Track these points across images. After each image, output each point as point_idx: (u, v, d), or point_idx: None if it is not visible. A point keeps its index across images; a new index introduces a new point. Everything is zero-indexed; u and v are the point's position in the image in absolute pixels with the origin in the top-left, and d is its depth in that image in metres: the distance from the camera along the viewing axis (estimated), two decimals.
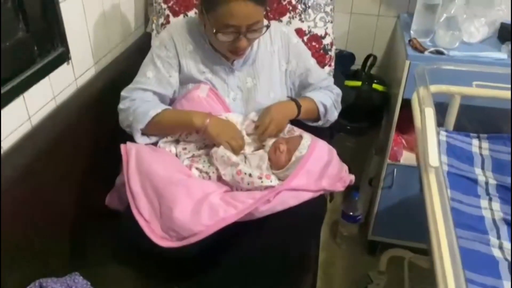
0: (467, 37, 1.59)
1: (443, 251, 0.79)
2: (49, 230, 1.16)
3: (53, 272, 1.10)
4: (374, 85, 1.78)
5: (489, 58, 1.49)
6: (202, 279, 1.16)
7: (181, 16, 1.59)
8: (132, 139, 1.35)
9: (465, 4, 1.61)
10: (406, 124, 1.74)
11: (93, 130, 1.35)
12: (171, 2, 1.58)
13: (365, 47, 1.96)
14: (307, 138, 1.25)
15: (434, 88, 1.24)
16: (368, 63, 1.89)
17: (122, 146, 1.25)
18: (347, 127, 1.89)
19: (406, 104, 1.62)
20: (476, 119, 1.48)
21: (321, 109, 1.39)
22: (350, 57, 1.94)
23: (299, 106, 1.33)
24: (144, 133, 1.28)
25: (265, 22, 1.24)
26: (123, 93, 1.29)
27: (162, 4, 1.58)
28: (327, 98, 1.41)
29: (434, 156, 0.97)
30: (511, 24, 1.59)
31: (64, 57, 1.27)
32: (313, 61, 1.47)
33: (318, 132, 1.43)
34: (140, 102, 1.26)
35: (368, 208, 2.01)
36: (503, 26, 1.62)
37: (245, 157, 1.23)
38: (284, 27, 1.44)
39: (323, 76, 1.49)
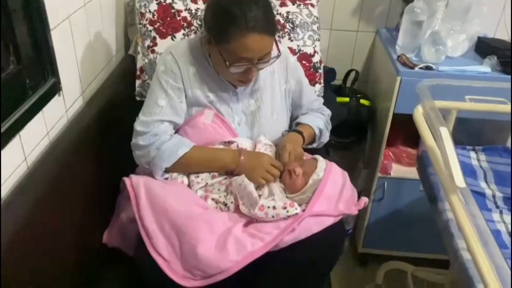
0: (449, 52, 1.65)
1: (495, 277, 0.79)
2: (51, 278, 1.06)
3: None
4: (362, 101, 1.80)
5: (475, 71, 1.55)
6: None
7: (169, 38, 1.52)
8: (128, 172, 1.28)
9: (442, 19, 1.68)
10: (393, 137, 1.78)
11: (88, 164, 1.25)
12: (158, 24, 1.51)
13: (345, 62, 1.99)
14: (323, 161, 1.23)
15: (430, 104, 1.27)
16: (352, 78, 1.91)
17: (127, 180, 1.17)
18: (332, 141, 1.90)
19: (394, 118, 1.66)
20: (465, 131, 1.53)
21: (317, 133, 1.41)
22: (331, 73, 1.95)
23: (302, 136, 1.34)
24: (167, 170, 1.22)
25: (275, 51, 1.22)
26: (138, 127, 1.21)
27: (148, 26, 1.51)
28: (320, 122, 1.43)
29: (459, 177, 0.98)
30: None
31: (56, 88, 1.17)
32: (306, 82, 1.47)
33: (314, 149, 1.44)
34: (164, 138, 1.19)
35: (356, 221, 2.02)
36: (480, 40, 1.70)
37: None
38: (282, 47, 1.43)
39: (314, 97, 1.51)
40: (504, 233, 1.11)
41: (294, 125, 1.44)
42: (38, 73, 1.11)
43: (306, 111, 1.46)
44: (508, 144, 1.69)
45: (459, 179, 0.99)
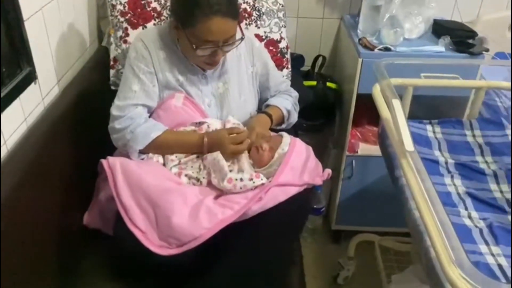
0: (407, 34, 1.75)
1: (438, 229, 0.88)
2: (33, 261, 1.12)
3: None
4: (328, 84, 1.89)
5: (430, 51, 1.66)
6: (199, 285, 1.19)
7: (140, 28, 1.59)
8: (106, 154, 1.34)
9: (401, 4, 1.77)
10: (359, 117, 1.88)
11: (66, 149, 1.31)
12: (129, 15, 1.57)
13: (312, 48, 2.07)
14: (287, 136, 1.32)
15: (386, 81, 1.36)
16: (319, 64, 2.01)
17: (104, 161, 1.24)
18: (303, 125, 1.99)
19: (359, 99, 1.76)
20: (423, 108, 1.64)
21: (285, 114, 1.49)
22: (300, 59, 2.04)
23: (270, 117, 1.42)
24: (141, 152, 1.28)
25: (239, 34, 1.29)
26: (114, 112, 1.28)
27: (120, 17, 1.57)
28: (287, 103, 1.51)
29: (409, 142, 1.08)
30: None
31: (32, 77, 1.22)
32: (272, 64, 1.55)
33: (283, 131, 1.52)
34: (138, 121, 1.26)
35: (328, 200, 2.12)
36: (436, 22, 1.80)
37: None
38: (246, 32, 1.50)
39: (281, 79, 1.59)
40: (454, 194, 1.21)
41: (263, 107, 1.52)
42: (13, 63, 1.16)
43: (274, 93, 1.54)
44: (462, 117, 1.79)
45: (409, 144, 1.08)
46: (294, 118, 1.55)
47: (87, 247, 1.35)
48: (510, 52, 1.88)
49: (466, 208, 1.16)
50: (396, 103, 1.17)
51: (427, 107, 1.67)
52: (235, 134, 1.27)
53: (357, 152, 1.88)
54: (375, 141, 1.92)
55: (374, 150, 1.89)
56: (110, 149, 1.37)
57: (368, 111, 1.89)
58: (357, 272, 1.88)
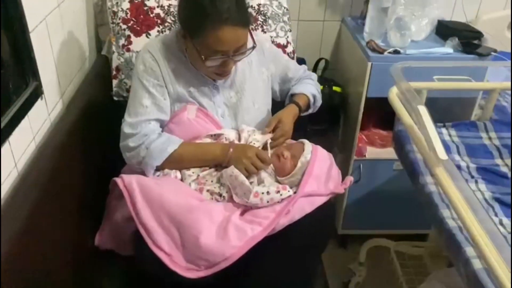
0: (414, 36, 1.73)
1: (487, 240, 0.86)
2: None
3: None
4: (334, 88, 1.86)
5: (439, 53, 1.65)
6: None
7: (143, 35, 1.52)
8: (113, 172, 1.27)
9: (404, 5, 1.76)
10: (365, 121, 1.86)
11: (74, 167, 1.24)
12: (131, 22, 1.50)
13: (314, 51, 2.04)
14: (309, 144, 1.28)
15: (405, 85, 1.34)
16: (322, 67, 1.97)
17: (118, 180, 1.17)
18: (307, 129, 1.95)
19: (365, 103, 1.74)
20: (434, 110, 1.62)
21: (311, 99, 1.46)
22: (301, 62, 1.98)
23: (298, 105, 1.40)
24: (158, 168, 1.22)
25: (250, 42, 1.24)
26: (126, 129, 1.21)
27: (121, 25, 1.50)
28: (312, 87, 1.48)
29: (441, 150, 1.06)
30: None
31: (38, 92, 1.14)
32: (286, 57, 1.52)
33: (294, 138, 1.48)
34: (152, 137, 1.20)
35: (334, 204, 2.09)
36: (440, 23, 1.79)
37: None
38: (255, 35, 1.45)
39: (298, 66, 1.54)
40: (482, 200, 1.19)
41: (288, 97, 1.48)
42: (20, 78, 1.08)
43: (295, 82, 1.50)
44: (470, 118, 1.79)
45: (442, 153, 1.06)
46: (319, 101, 1.52)
47: (101, 269, 1.28)
48: (510, 51, 1.89)
49: (496, 215, 1.14)
50: (422, 110, 1.14)
51: (435, 109, 1.66)
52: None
53: (364, 156, 1.86)
54: (381, 144, 1.90)
55: (381, 153, 1.88)
56: (117, 164, 1.31)
57: (374, 115, 1.88)
58: (369, 277, 1.86)
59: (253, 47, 1.25)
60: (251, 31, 1.26)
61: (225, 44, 1.16)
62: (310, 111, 1.50)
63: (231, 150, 1.22)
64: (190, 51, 1.23)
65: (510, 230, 1.10)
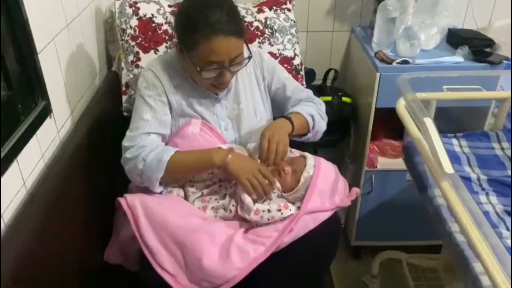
0: (423, 45, 1.71)
1: (492, 257, 0.84)
2: None
3: None
4: (344, 98, 1.85)
5: (449, 62, 1.62)
6: None
7: (152, 52, 1.54)
8: (121, 188, 1.29)
9: (413, 14, 1.74)
10: (376, 131, 1.84)
11: (83, 184, 1.26)
12: (140, 39, 1.53)
13: (323, 62, 2.04)
14: (311, 157, 1.27)
15: (412, 96, 1.32)
16: (331, 77, 1.97)
17: (122, 200, 1.18)
18: (318, 140, 1.94)
19: (375, 113, 1.72)
20: (444, 120, 1.60)
21: (310, 120, 1.34)
22: (311, 73, 2.00)
23: (290, 120, 1.28)
24: (161, 182, 1.22)
25: (246, 52, 1.24)
26: (125, 143, 1.22)
27: (130, 41, 1.53)
28: (311, 109, 1.37)
29: (448, 164, 1.04)
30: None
31: (47, 110, 1.17)
32: (287, 75, 1.46)
33: (302, 149, 1.46)
34: (149, 148, 1.19)
35: (347, 215, 2.07)
36: (451, 32, 1.77)
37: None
38: (255, 47, 1.46)
39: (300, 88, 1.48)
40: (492, 213, 1.17)
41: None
42: (29, 97, 1.11)
43: (294, 102, 1.42)
44: (483, 128, 1.76)
45: (447, 166, 1.04)
46: (322, 126, 1.40)
47: (110, 283, 1.29)
48: None
49: (507, 229, 1.12)
50: (428, 122, 1.13)
51: (446, 119, 1.63)
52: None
53: (376, 166, 1.84)
54: (393, 155, 1.88)
55: (392, 163, 1.86)
56: (126, 180, 1.32)
57: (385, 125, 1.85)
58: None
59: (249, 57, 1.25)
60: (247, 41, 1.24)
61: (219, 54, 1.16)
62: (310, 135, 1.38)
63: (230, 156, 1.18)
64: (187, 64, 1.24)
65: None
